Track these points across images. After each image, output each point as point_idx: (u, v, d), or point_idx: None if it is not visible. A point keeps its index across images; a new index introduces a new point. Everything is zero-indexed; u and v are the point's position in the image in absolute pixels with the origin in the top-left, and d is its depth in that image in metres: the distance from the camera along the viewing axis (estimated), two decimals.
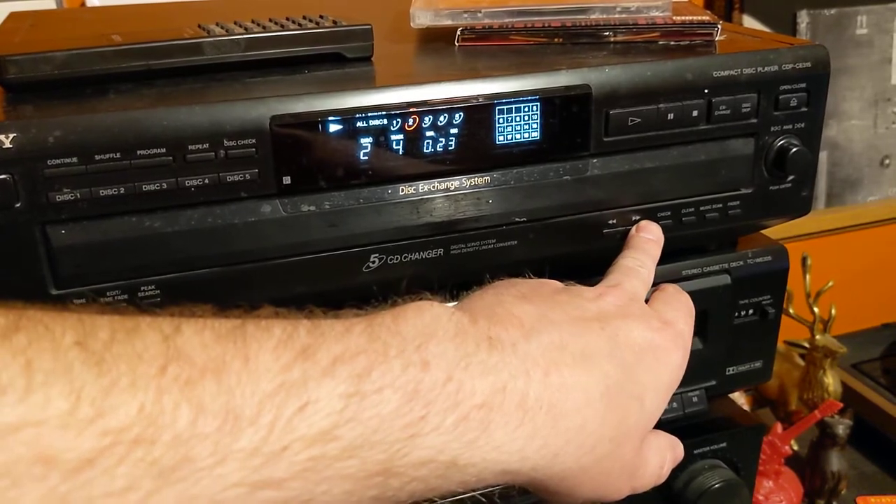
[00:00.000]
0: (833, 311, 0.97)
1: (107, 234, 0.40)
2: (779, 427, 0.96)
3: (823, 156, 1.15)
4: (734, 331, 0.57)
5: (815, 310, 0.97)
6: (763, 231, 0.58)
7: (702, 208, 0.51)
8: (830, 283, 0.98)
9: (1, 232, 0.38)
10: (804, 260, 1.00)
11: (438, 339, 0.32)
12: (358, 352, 0.30)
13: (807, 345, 0.98)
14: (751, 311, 0.57)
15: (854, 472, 1.04)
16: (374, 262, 0.45)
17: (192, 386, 0.25)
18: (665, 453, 0.43)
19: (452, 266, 0.47)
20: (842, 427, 0.95)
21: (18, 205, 0.38)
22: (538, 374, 0.34)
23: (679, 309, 0.44)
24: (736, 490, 0.60)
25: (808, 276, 0.99)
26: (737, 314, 0.56)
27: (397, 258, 0.46)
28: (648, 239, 0.48)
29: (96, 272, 0.41)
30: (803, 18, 1.12)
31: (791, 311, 0.99)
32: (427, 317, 0.33)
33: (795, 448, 1.05)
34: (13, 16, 0.68)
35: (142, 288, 0.42)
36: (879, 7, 1.14)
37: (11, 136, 0.37)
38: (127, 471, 0.23)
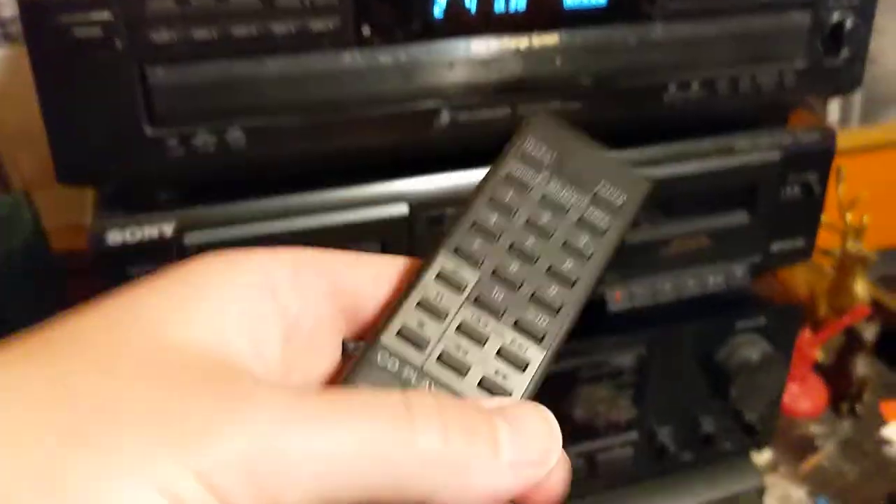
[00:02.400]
0: (865, 220, 0.99)
1: (199, 75, 0.42)
2: (807, 333, 0.99)
3: None
4: (780, 207, 0.59)
5: (848, 216, 0.99)
6: None
7: (757, 78, 0.52)
8: (864, 193, 0.99)
9: (102, 69, 0.41)
10: (838, 171, 1.01)
11: None
12: None
13: (838, 252, 1.00)
14: (797, 188, 0.59)
15: (879, 380, 1.07)
16: (444, 118, 0.48)
17: None
18: None
19: None
20: (869, 332, 0.97)
21: (119, 43, 0.40)
22: None
23: None
24: (774, 365, 0.62)
25: (841, 186, 1.01)
26: (784, 190, 0.58)
27: (467, 115, 0.48)
28: None
29: (188, 113, 0.43)
30: None
31: (823, 219, 1.01)
32: None
33: (822, 356, 1.08)
34: None
35: (228, 131, 0.44)
36: None
37: None
38: None
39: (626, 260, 0.57)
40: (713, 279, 0.59)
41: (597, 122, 0.50)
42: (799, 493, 0.84)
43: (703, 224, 0.58)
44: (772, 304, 0.63)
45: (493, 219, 0.27)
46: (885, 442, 0.92)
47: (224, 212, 0.47)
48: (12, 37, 0.75)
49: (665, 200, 0.57)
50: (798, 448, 0.90)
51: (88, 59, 0.40)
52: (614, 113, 0.51)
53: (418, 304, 0.25)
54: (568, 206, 0.28)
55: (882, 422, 0.97)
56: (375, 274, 0.27)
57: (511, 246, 0.27)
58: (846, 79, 0.55)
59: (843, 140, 1.18)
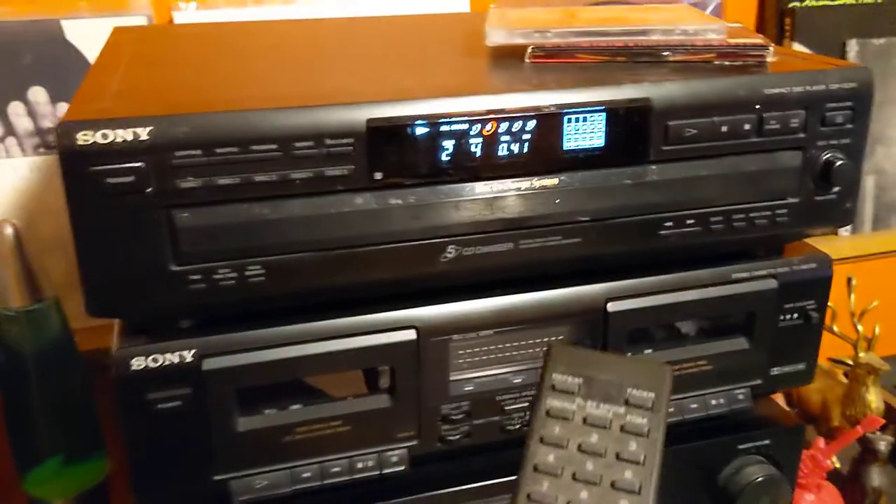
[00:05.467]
0: (877, 330, 0.99)
1: (222, 218, 0.46)
2: (821, 442, 0.99)
3: (870, 180, 1.18)
4: (779, 333, 0.61)
5: (860, 327, 1.00)
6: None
7: (751, 215, 0.55)
8: (875, 303, 1.00)
9: (133, 213, 0.44)
10: (849, 280, 1.03)
11: None
12: None
13: (850, 361, 1.01)
14: (795, 315, 0.61)
15: (895, 489, 1.06)
16: (450, 253, 0.50)
17: None
18: None
19: (521, 259, 0.52)
20: (883, 443, 0.97)
21: (149, 189, 0.44)
22: None
23: None
24: (778, 484, 0.63)
25: (853, 296, 1.02)
26: (782, 317, 0.60)
27: (472, 250, 0.51)
28: None
29: (211, 252, 0.46)
30: (852, 47, 1.15)
31: (835, 328, 1.02)
32: None
33: (837, 465, 1.07)
34: (117, 30, 0.75)
35: (248, 268, 0.47)
36: None
37: (148, 129, 0.43)
38: None
39: None
40: (715, 402, 0.61)
41: (596, 256, 0.53)
42: None
43: (705, 350, 0.60)
44: (774, 425, 0.64)
45: (550, 458, 0.31)
46: None
47: (241, 339, 0.50)
48: (50, 146, 0.79)
49: (666, 328, 0.59)
50: None
51: (120, 204, 0.44)
52: (613, 248, 0.53)
53: None
54: (608, 421, 0.31)
55: None
56: None
57: (574, 476, 0.30)
58: (837, 214, 0.57)
59: (855, 247, 1.20)
